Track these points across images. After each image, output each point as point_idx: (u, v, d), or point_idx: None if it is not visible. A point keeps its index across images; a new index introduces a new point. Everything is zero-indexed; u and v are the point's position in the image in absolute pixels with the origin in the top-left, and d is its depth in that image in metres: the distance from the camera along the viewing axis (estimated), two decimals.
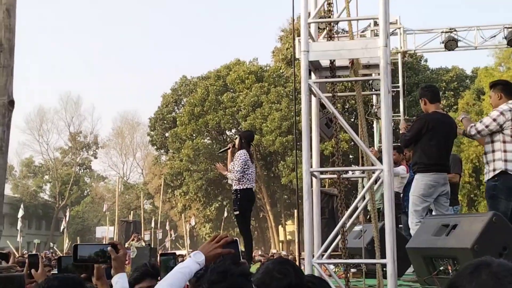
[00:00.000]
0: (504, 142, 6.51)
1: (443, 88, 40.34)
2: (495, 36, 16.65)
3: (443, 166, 7.20)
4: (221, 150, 9.88)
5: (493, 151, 6.58)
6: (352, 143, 31.63)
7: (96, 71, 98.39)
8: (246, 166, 8.93)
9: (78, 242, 25.28)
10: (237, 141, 9.23)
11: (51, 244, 50.44)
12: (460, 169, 9.77)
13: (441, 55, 23.13)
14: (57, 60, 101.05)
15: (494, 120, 6.51)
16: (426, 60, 42.25)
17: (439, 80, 40.84)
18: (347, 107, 37.10)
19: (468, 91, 37.94)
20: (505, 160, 6.45)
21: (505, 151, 6.47)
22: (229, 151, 9.45)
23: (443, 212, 7.27)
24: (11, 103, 2.29)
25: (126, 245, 23.63)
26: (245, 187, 8.95)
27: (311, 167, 5.04)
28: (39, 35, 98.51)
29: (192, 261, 3.03)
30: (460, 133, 7.39)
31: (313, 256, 4.92)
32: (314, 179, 5.27)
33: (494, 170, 6.53)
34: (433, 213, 7.59)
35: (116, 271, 3.24)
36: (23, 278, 3.08)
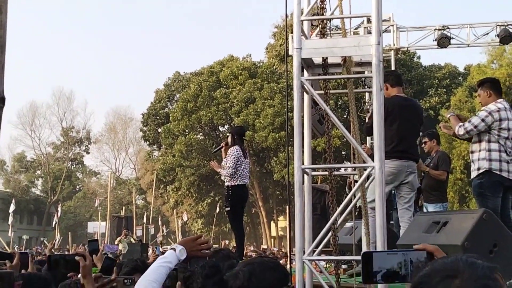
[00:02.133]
0: (489, 141, 6.57)
1: (436, 85, 40.48)
2: (487, 33, 16.68)
3: (405, 153, 6.84)
4: (215, 150, 9.86)
5: (479, 151, 6.64)
6: (345, 139, 31.68)
7: (89, 66, 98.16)
8: (238, 163, 8.91)
9: (70, 237, 25.33)
10: (229, 138, 9.22)
11: (42, 239, 50.31)
12: (448, 166, 9.72)
13: (434, 52, 23.24)
14: (50, 55, 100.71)
15: (483, 120, 6.55)
16: (419, 57, 42.40)
17: (432, 77, 40.98)
18: (340, 103, 37.14)
19: (461, 88, 38.06)
20: (490, 160, 6.52)
21: (489, 150, 6.53)
22: (223, 149, 9.43)
23: (401, 203, 7.01)
24: (2, 100, 2.28)
25: (116, 241, 23.66)
26: (237, 184, 8.93)
27: (303, 164, 5.05)
28: (31, 29, 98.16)
29: (175, 257, 3.08)
30: (450, 133, 7.31)
31: (304, 253, 4.94)
32: (305, 176, 5.29)
33: (478, 169, 6.59)
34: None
35: (84, 277, 3.36)
36: (12, 275, 3.09)
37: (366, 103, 13.76)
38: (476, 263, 1.54)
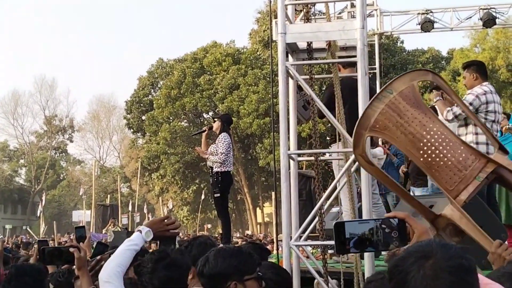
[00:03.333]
0: (475, 125, 6.56)
1: None
2: (470, 17, 16.77)
3: None
4: (195, 132, 9.85)
5: (466, 134, 6.64)
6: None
7: (71, 54, 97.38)
8: (229, 149, 8.95)
9: (55, 226, 25.20)
10: (216, 124, 9.19)
11: (24, 227, 50.09)
12: None
13: (417, 36, 23.27)
14: (31, 42, 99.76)
15: (471, 104, 6.55)
16: (402, 42, 42.47)
17: (415, 62, 41.09)
18: (324, 88, 37.16)
19: (444, 72, 38.23)
20: (477, 143, 6.52)
21: (476, 133, 6.53)
22: (204, 134, 9.42)
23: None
24: None
25: (104, 231, 23.61)
26: (226, 170, 8.98)
27: (289, 149, 5.03)
28: (13, 18, 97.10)
29: (141, 239, 3.14)
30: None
31: (290, 239, 4.94)
32: (291, 161, 5.27)
33: None
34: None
35: (79, 269, 3.36)
36: None
37: None
38: (448, 245, 1.58)
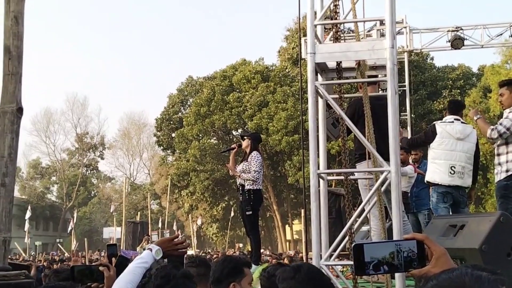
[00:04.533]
0: None
1: (450, 86, 40.27)
2: (501, 34, 16.62)
3: (384, 155, 6.52)
4: (224, 150, 9.92)
5: (507, 153, 6.57)
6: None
7: (102, 72, 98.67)
8: (261, 167, 9.04)
9: (86, 243, 25.39)
10: (245, 142, 9.22)
11: (57, 241, 50.51)
12: None
13: (447, 53, 23.12)
14: (64, 61, 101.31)
15: (508, 129, 6.48)
16: (432, 58, 42.19)
17: (445, 78, 40.77)
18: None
19: (475, 89, 37.86)
20: None
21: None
22: (233, 151, 9.47)
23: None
24: (20, 110, 2.29)
25: (138, 248, 23.69)
26: (258, 188, 9.04)
27: (318, 168, 5.04)
28: (46, 35, 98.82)
29: (151, 257, 3.24)
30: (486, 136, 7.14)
31: (321, 258, 4.93)
32: (321, 180, 5.28)
33: (507, 171, 6.52)
34: None
35: None
36: (32, 285, 3.12)
37: None
38: (482, 277, 1.51)
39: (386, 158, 6.58)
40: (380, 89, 11.45)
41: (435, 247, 1.99)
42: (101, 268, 3.40)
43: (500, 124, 6.58)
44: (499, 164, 6.65)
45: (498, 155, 6.69)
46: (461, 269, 1.61)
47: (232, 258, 4.15)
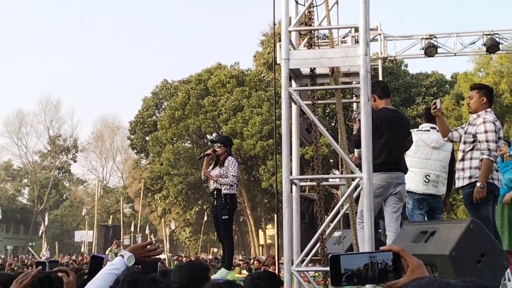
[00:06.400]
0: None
1: (423, 93, 40.69)
2: (474, 42, 16.81)
3: (393, 165, 6.78)
4: (200, 156, 9.91)
5: (471, 158, 6.61)
6: (333, 147, 31.69)
7: (76, 74, 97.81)
8: (237, 172, 9.19)
9: (56, 247, 25.14)
10: (221, 150, 9.23)
11: (30, 246, 49.91)
12: None
13: (421, 60, 23.33)
14: (36, 62, 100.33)
15: (496, 132, 6.53)
16: (406, 65, 42.60)
17: (419, 85, 41.19)
18: (327, 111, 37.25)
19: (448, 96, 38.27)
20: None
21: (481, 159, 6.51)
22: (207, 157, 9.46)
23: (389, 213, 6.93)
24: None
25: (107, 252, 23.53)
26: (233, 193, 9.12)
27: (291, 174, 5.04)
28: (19, 38, 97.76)
29: (123, 263, 3.21)
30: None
31: (292, 263, 4.93)
32: (294, 186, 5.28)
33: (470, 177, 6.56)
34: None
35: None
36: None
37: (354, 112, 13.78)
38: (450, 283, 1.53)
39: (397, 168, 6.74)
40: (354, 96, 11.58)
41: (410, 259, 1.99)
42: (59, 274, 3.36)
43: (487, 141, 6.47)
44: (462, 169, 6.68)
45: (462, 160, 6.72)
46: (431, 277, 1.62)
47: (198, 264, 4.16)
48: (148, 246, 3.42)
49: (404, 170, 7.01)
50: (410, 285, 1.60)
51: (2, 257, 38.26)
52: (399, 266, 1.99)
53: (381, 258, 1.99)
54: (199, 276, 3.93)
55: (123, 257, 3.24)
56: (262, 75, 42.74)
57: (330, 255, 2.01)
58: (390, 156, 6.73)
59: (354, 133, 7.22)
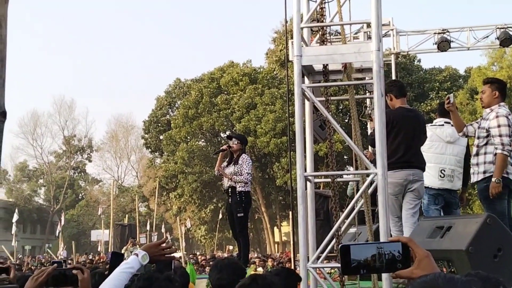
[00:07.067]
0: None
1: (437, 88, 40.46)
2: (487, 36, 16.70)
3: (410, 162, 6.80)
4: (216, 151, 9.93)
5: (485, 153, 6.58)
6: (347, 143, 31.59)
7: (90, 74, 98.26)
8: (252, 169, 9.21)
9: (73, 246, 25.32)
10: (236, 146, 9.25)
11: (47, 247, 50.26)
12: None
13: (434, 55, 23.19)
14: (51, 63, 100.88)
15: (509, 126, 6.49)
16: (419, 61, 42.34)
17: (433, 80, 40.96)
18: (341, 108, 37.14)
19: (462, 91, 38.05)
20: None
21: (495, 154, 6.47)
22: (222, 153, 9.51)
23: (406, 209, 6.88)
24: (3, 114, 2.28)
25: (123, 250, 23.62)
26: (248, 190, 9.17)
27: (305, 171, 5.04)
28: (32, 38, 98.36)
29: (137, 262, 3.23)
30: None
31: (308, 260, 4.93)
32: (308, 183, 5.28)
33: (484, 172, 6.53)
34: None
35: None
36: None
37: (368, 108, 13.75)
38: (454, 279, 1.55)
39: (415, 165, 6.76)
40: (367, 91, 11.56)
41: (418, 250, 2.03)
42: (74, 271, 3.36)
43: (500, 136, 6.43)
44: (477, 164, 6.65)
45: (477, 154, 6.70)
46: (436, 272, 1.64)
47: (239, 265, 4.22)
48: (162, 245, 3.43)
49: (422, 166, 7.00)
50: (416, 282, 1.62)
51: (19, 257, 38.53)
52: (407, 256, 2.03)
53: (389, 249, 2.03)
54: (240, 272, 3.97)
55: (137, 255, 3.25)
56: (275, 72, 42.69)
57: (340, 245, 2.05)
58: (407, 154, 6.76)
59: (370, 132, 7.22)
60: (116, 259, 3.86)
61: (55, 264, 3.57)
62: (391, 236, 7.33)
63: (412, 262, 2.02)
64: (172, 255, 3.47)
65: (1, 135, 2.34)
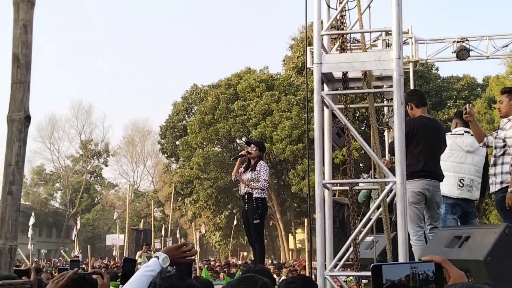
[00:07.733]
0: None
1: (454, 97, 40.23)
2: (507, 45, 16.61)
3: (430, 173, 6.76)
4: (235, 156, 9.93)
5: (502, 163, 6.54)
6: (363, 151, 31.50)
7: (107, 79, 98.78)
8: (268, 176, 9.23)
9: (89, 250, 25.36)
10: (255, 153, 9.26)
11: (62, 249, 50.47)
12: None
13: (452, 63, 23.08)
14: (69, 68, 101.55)
15: None
16: (437, 69, 42.18)
17: (450, 89, 40.75)
18: (357, 115, 37.04)
19: (479, 100, 37.81)
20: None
21: None
22: (240, 158, 9.51)
23: (429, 222, 6.88)
24: (28, 118, 2.30)
25: (137, 256, 23.62)
26: (265, 196, 9.17)
27: (324, 178, 5.04)
28: (49, 42, 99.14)
29: (158, 265, 3.26)
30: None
31: (325, 268, 4.92)
32: (326, 190, 5.27)
33: (501, 182, 6.49)
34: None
35: None
36: None
37: (385, 116, 13.68)
38: None
39: (435, 176, 6.73)
40: (384, 99, 11.52)
41: (452, 270, 2.00)
42: (94, 276, 3.38)
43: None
44: (494, 174, 6.63)
45: (494, 165, 6.67)
46: (463, 283, 1.63)
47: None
48: (183, 247, 3.45)
49: (440, 178, 6.97)
50: None
51: (35, 260, 38.73)
52: (440, 276, 2.00)
53: (422, 269, 2.00)
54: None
55: (158, 258, 3.27)
56: (292, 79, 42.68)
57: (372, 265, 2.02)
58: (428, 164, 6.72)
59: (390, 141, 7.19)
60: (129, 265, 3.88)
61: (76, 269, 3.58)
62: (409, 244, 7.32)
63: (446, 283, 2.00)
64: (192, 258, 3.49)
65: (26, 139, 2.36)
